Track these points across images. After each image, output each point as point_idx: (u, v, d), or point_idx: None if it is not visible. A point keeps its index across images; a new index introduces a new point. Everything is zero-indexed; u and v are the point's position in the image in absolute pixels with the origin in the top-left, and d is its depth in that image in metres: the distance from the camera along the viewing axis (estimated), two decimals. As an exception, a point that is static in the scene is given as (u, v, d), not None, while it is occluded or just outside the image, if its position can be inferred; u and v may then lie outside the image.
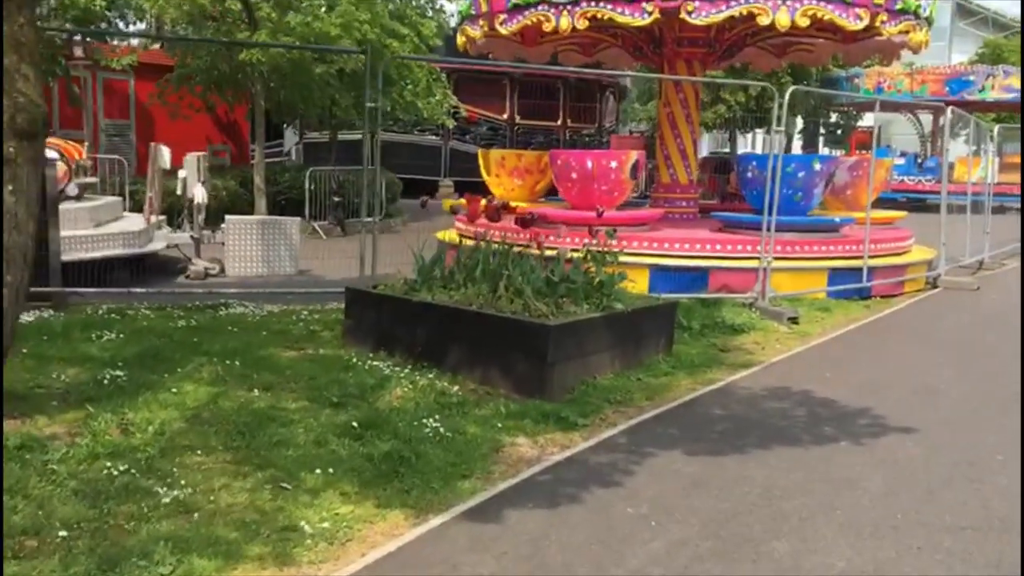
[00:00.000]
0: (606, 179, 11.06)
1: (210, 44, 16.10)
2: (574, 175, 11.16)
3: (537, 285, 6.47)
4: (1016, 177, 26.62)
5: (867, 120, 35.09)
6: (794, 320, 8.97)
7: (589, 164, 10.95)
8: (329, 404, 5.22)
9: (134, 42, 21.30)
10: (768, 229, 9.45)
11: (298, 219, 11.75)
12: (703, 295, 9.61)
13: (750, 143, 43.14)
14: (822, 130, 33.69)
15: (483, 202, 7.38)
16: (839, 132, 33.94)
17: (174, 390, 5.18)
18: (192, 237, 10.98)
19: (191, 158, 10.86)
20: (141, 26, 23.53)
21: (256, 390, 5.37)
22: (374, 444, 4.63)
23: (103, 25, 17.07)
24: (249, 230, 11.11)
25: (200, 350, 6.06)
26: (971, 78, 26.88)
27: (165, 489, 3.92)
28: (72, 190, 10.15)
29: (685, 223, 12.78)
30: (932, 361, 7.59)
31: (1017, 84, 26.81)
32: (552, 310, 6.21)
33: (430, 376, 5.97)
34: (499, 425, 5.12)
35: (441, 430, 4.88)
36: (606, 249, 7.15)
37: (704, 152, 33.22)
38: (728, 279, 10.14)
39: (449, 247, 8.08)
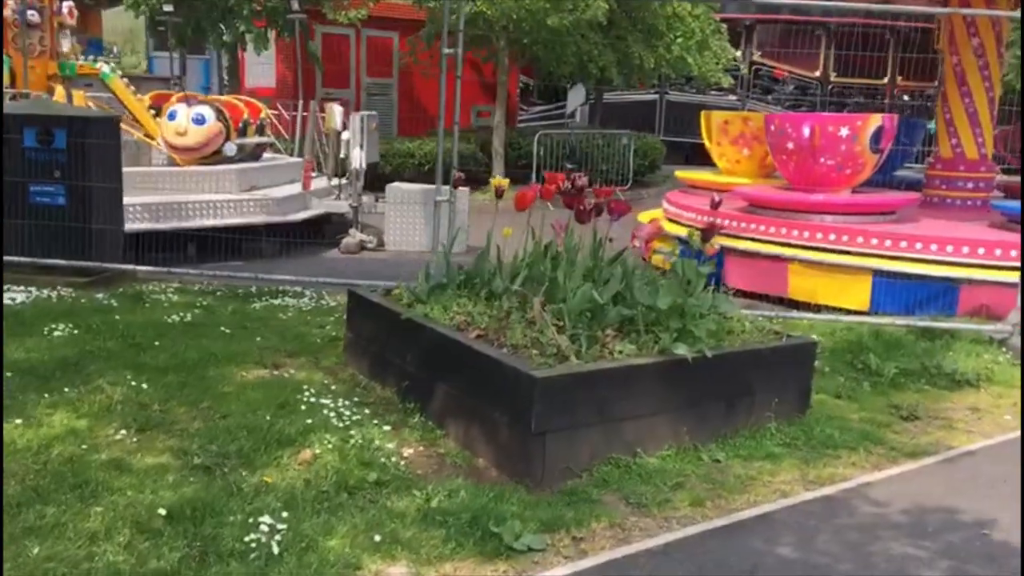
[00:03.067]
0: (834, 151, 8.38)
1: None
2: (790, 144, 8.60)
3: (579, 306, 4.50)
4: None
5: None
6: (1068, 372, 5.96)
7: (806, 130, 8.33)
8: (189, 467, 3.78)
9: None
10: (1014, 221, 6.38)
11: (467, 190, 10.37)
12: (943, 323, 6.78)
13: None
14: None
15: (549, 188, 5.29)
16: None
17: (22, 420, 4.07)
18: (351, 206, 10.07)
19: (355, 118, 9.91)
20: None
21: (129, 431, 4.09)
22: (161, 552, 3.13)
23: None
24: (412, 199, 9.97)
25: (138, 362, 4.92)
26: None
27: None
28: (229, 149, 9.64)
29: (965, 212, 9.60)
30: None
31: None
32: (581, 347, 4.25)
33: (386, 429, 4.32)
34: (380, 538, 3.35)
35: (276, 539, 3.24)
36: (708, 247, 4.92)
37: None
38: (989, 298, 7.16)
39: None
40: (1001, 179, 10.82)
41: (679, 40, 17.70)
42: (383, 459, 3.98)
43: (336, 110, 10.51)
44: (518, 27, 15.51)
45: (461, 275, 5.07)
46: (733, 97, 25.41)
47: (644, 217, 10.32)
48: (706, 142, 11.43)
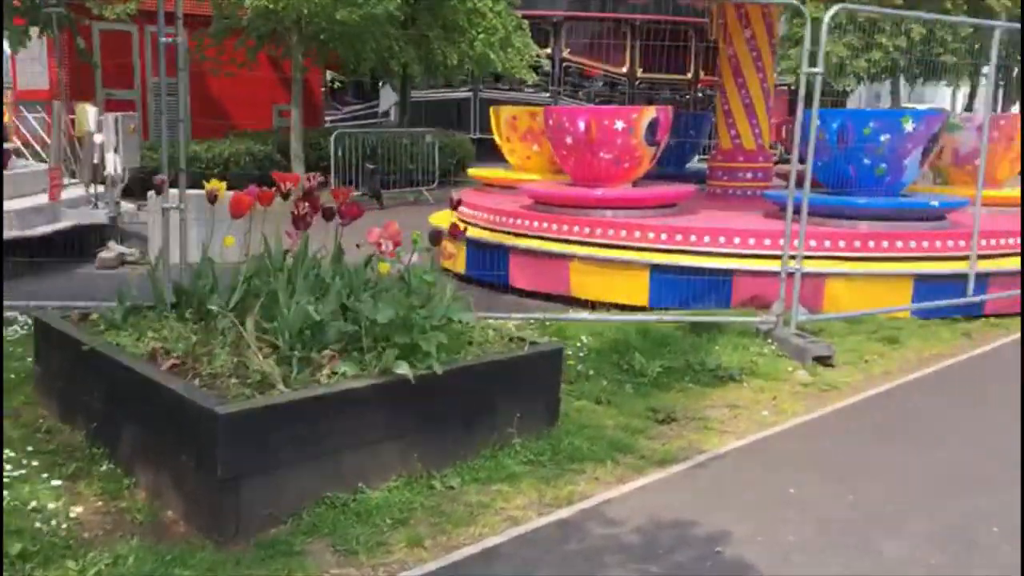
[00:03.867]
0: (610, 144, 8.22)
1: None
2: (568, 139, 8.38)
3: (297, 324, 3.97)
4: None
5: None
6: (824, 360, 5.95)
7: (582, 124, 8.13)
8: None
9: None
10: (796, 213, 6.36)
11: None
12: (708, 317, 6.68)
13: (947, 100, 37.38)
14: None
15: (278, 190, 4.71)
16: (1033, 82, 28.23)
17: None
18: (109, 216, 9.11)
19: (108, 119, 8.96)
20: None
21: None
22: None
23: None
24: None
25: None
26: None
27: None
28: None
29: (747, 203, 9.71)
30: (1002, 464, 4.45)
31: None
32: (293, 371, 3.72)
33: (57, 483, 3.64)
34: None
35: None
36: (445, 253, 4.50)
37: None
38: (761, 288, 7.14)
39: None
40: (780, 168, 11.09)
41: (481, 36, 17.44)
42: (40, 523, 3.32)
43: (89, 111, 9.50)
44: (310, 22, 14.77)
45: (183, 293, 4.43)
46: (546, 94, 25.54)
47: (437, 218, 9.91)
48: (496, 138, 11.14)
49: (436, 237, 4.42)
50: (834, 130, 7.63)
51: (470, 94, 24.92)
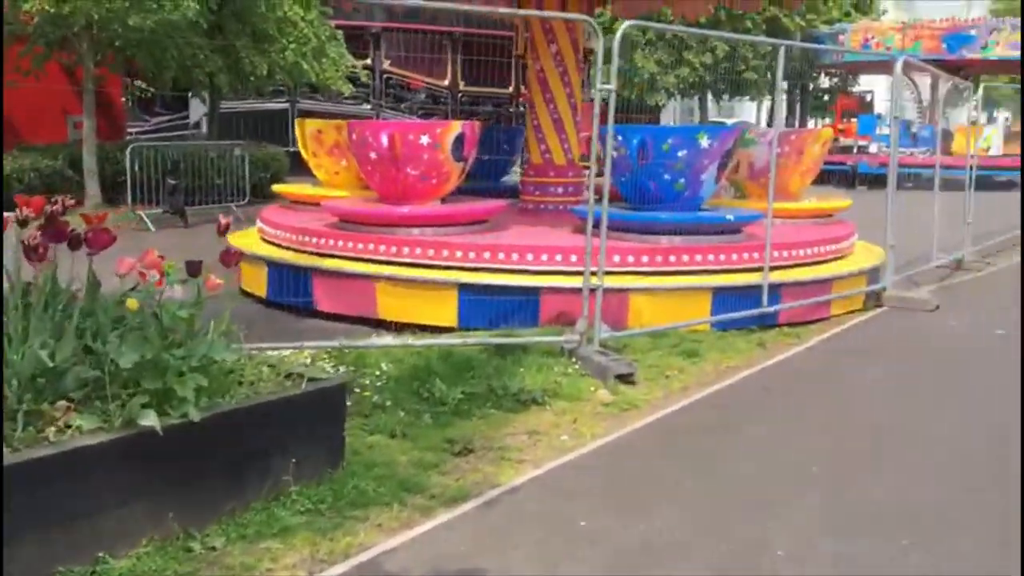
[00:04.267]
0: (416, 160, 7.98)
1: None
2: (372, 154, 8.08)
3: (29, 371, 3.45)
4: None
5: (866, 84, 31.66)
6: (626, 378, 5.91)
7: (385, 139, 7.85)
8: None
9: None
10: (596, 227, 6.32)
11: None
12: (519, 337, 6.53)
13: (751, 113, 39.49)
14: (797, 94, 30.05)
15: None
16: (826, 98, 30.42)
17: None
18: None
19: None
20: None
21: None
22: None
23: None
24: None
25: None
26: (972, 33, 23.33)
27: None
28: None
29: (559, 218, 9.69)
30: (797, 480, 4.51)
31: (1027, 40, 23.27)
32: (18, 427, 3.22)
33: None
34: None
35: None
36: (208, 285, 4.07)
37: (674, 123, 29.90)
38: (568, 305, 7.06)
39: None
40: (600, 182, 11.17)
41: (292, 46, 16.86)
42: None
43: None
44: (102, 28, 13.77)
45: None
46: (367, 106, 25.11)
47: (237, 239, 9.33)
48: (303, 152, 10.68)
49: (194, 267, 3.99)
50: (634, 146, 7.71)
51: (288, 105, 24.13)
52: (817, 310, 7.90)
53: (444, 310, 7.28)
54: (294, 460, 3.91)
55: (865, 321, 7.96)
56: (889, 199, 8.56)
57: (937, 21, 23.92)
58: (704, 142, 7.70)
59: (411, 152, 7.91)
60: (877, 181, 18.23)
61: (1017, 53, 23.41)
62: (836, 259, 8.46)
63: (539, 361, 6.08)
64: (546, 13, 9.34)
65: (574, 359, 6.17)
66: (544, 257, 7.38)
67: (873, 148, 22.52)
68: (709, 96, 27.12)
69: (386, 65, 24.98)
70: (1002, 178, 23.50)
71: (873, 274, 8.66)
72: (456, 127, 8.11)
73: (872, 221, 9.54)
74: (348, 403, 5.14)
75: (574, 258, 7.30)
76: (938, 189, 10.28)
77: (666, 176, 7.82)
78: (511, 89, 26.91)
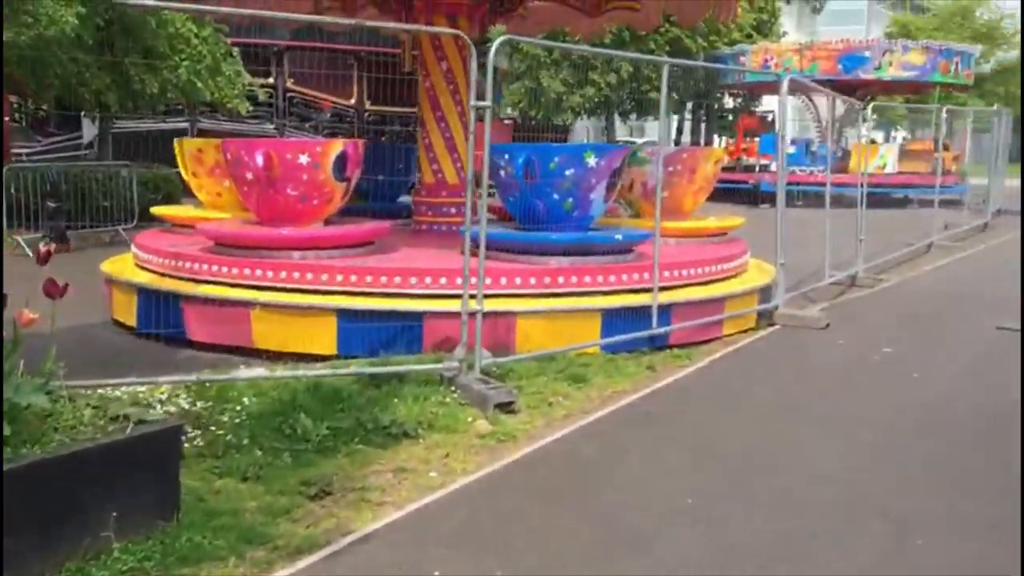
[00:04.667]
0: (295, 180, 7.61)
1: None
2: (249, 175, 7.69)
3: None
4: (918, 167, 24.05)
5: (768, 104, 32.39)
6: (507, 407, 5.66)
7: (260, 159, 7.47)
8: None
9: None
10: (488, 248, 6.10)
11: None
12: (395, 365, 6.23)
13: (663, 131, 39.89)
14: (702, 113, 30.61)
15: None
16: (730, 118, 31.07)
17: None
18: None
19: None
20: None
21: None
22: None
23: None
24: None
25: None
26: (866, 54, 24.04)
27: None
28: None
29: (452, 239, 9.41)
30: (675, 513, 4.31)
31: (917, 61, 24.12)
32: None
33: None
34: None
35: None
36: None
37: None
38: (453, 330, 6.78)
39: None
40: (493, 202, 10.96)
41: (186, 63, 16.27)
42: None
43: None
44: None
45: None
46: (271, 126, 24.51)
47: (109, 265, 8.79)
48: (183, 173, 10.19)
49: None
50: (520, 165, 7.50)
51: (187, 125, 23.34)
52: (709, 330, 7.80)
53: (322, 338, 6.92)
54: (115, 514, 3.52)
55: (756, 340, 7.89)
56: (779, 217, 8.55)
57: (833, 42, 24.63)
58: (591, 161, 7.55)
59: (289, 172, 7.54)
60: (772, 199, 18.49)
61: (908, 74, 24.27)
62: (728, 278, 8.39)
63: (416, 391, 5.78)
64: (413, 27, 9.11)
65: (454, 388, 5.89)
66: (428, 280, 7.09)
67: (774, 167, 22.95)
68: (616, 115, 27.35)
69: (289, 84, 24.44)
70: (898, 195, 24.27)
71: (765, 292, 8.63)
72: (337, 145, 7.78)
73: (769, 239, 9.54)
74: (200, 443, 4.79)
75: (459, 281, 7.04)
76: (829, 207, 10.36)
77: (554, 195, 7.63)
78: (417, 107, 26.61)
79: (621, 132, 37.88)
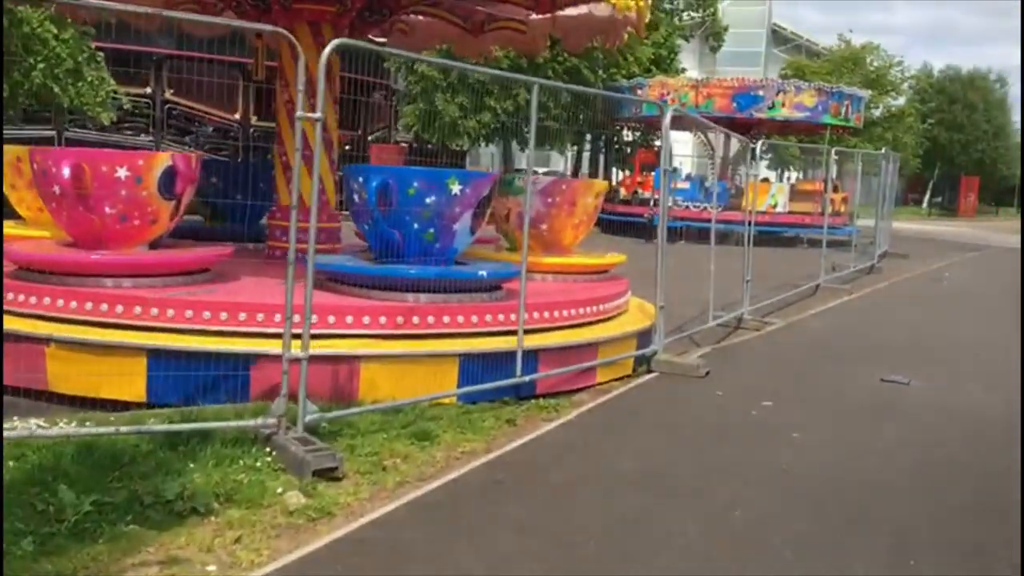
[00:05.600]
0: (112, 196, 6.60)
1: None
2: (56, 189, 6.63)
3: None
4: (808, 207, 24.25)
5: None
6: (327, 473, 4.79)
7: (67, 171, 6.44)
8: None
9: None
10: (334, 280, 5.26)
11: None
12: (197, 421, 5.29)
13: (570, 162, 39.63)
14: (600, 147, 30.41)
15: None
16: (628, 150, 31.00)
17: None
18: None
19: None
20: None
21: None
22: None
23: None
24: None
25: None
26: (760, 93, 24.17)
27: None
28: None
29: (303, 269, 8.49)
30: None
31: (809, 102, 24.41)
32: None
33: None
34: None
35: None
36: None
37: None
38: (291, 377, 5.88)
39: None
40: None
41: (41, 66, 14.90)
42: None
43: None
44: None
45: None
46: (147, 137, 23.06)
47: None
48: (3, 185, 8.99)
49: None
50: (374, 190, 6.68)
51: (53, 133, 21.67)
52: (580, 377, 7.11)
53: (130, 382, 5.91)
54: None
55: (631, 390, 7.23)
56: (659, 257, 7.96)
57: (728, 80, 24.73)
58: (455, 188, 6.78)
59: (105, 187, 6.53)
60: (674, 234, 18.17)
61: (800, 114, 24.51)
62: (604, 320, 7.72)
63: (223, 453, 4.87)
64: (235, 22, 8.24)
65: (270, 449, 4.99)
66: (260, 317, 6.16)
67: (668, 202, 22.76)
68: (515, 144, 26.84)
69: (168, 94, 23.04)
70: (789, 234, 24.41)
71: (644, 337, 8.01)
72: (164, 159, 6.81)
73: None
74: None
75: (297, 319, 6.14)
76: (714, 244, 9.89)
77: (414, 225, 6.84)
78: (310, 126, 25.48)
79: (525, 162, 37.49)
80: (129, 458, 4.58)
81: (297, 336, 6.28)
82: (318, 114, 5.06)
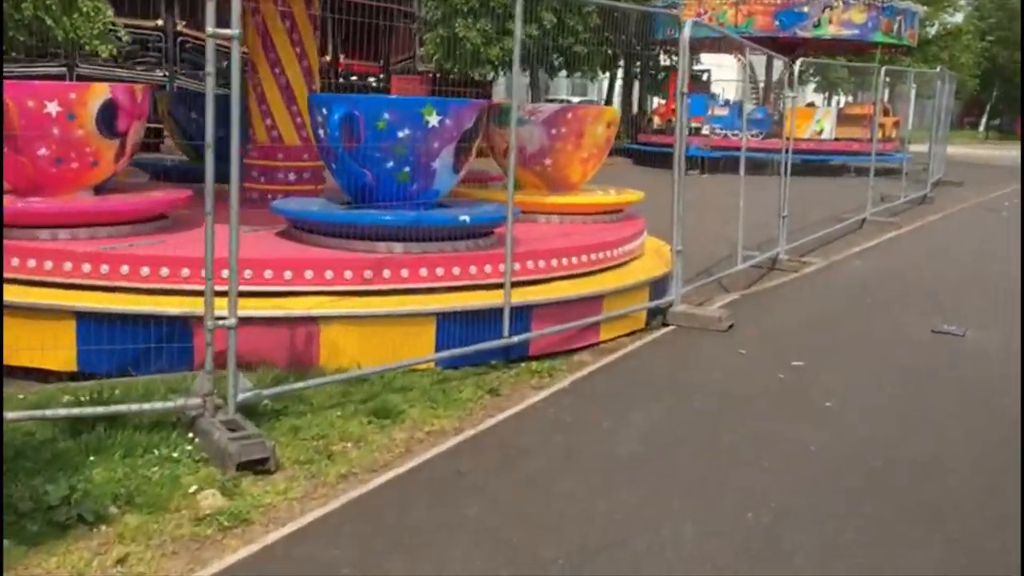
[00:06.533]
0: (43, 136, 5.79)
1: None
2: (-19, 129, 5.84)
3: None
4: (857, 132, 22.79)
5: (706, 62, 30.83)
6: (257, 466, 4.01)
7: (-13, 107, 5.63)
8: None
9: None
10: (299, 227, 4.43)
11: None
12: (108, 405, 4.53)
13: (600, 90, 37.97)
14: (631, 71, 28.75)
15: None
16: (661, 76, 29.39)
17: None
18: None
19: None
20: None
21: None
22: None
23: None
24: None
25: None
26: (804, 10, 22.52)
27: None
28: None
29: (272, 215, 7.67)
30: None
31: (858, 19, 22.69)
32: None
33: None
34: None
35: None
36: None
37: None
38: (252, 342, 5.08)
39: None
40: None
41: (31, -1, 14.06)
42: None
43: None
44: None
45: None
46: (161, 73, 22.24)
47: None
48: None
49: None
50: (336, 123, 5.77)
51: (64, 70, 20.95)
52: (582, 335, 6.22)
53: (58, 349, 5.18)
54: None
55: (639, 348, 6.33)
56: (675, 193, 6.96)
57: (771, -3, 23.10)
58: (432, 119, 5.85)
59: (34, 124, 5.71)
60: (712, 165, 17.02)
61: (849, 32, 22.87)
62: (612, 267, 6.79)
63: (136, 440, 4.12)
64: None
65: (192, 434, 4.22)
66: (205, 273, 5.35)
67: (705, 130, 21.45)
68: (541, 71, 25.51)
69: (181, 27, 22.10)
70: (835, 163, 23.01)
71: (660, 285, 7.09)
72: (101, 91, 5.95)
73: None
74: None
75: (249, 273, 5.33)
76: (743, 174, 8.86)
77: (387, 163, 5.94)
78: (328, 58, 24.45)
79: (554, 90, 36.10)
80: (15, 451, 3.84)
81: (258, 294, 5.56)
82: (232, 30, 4.12)
